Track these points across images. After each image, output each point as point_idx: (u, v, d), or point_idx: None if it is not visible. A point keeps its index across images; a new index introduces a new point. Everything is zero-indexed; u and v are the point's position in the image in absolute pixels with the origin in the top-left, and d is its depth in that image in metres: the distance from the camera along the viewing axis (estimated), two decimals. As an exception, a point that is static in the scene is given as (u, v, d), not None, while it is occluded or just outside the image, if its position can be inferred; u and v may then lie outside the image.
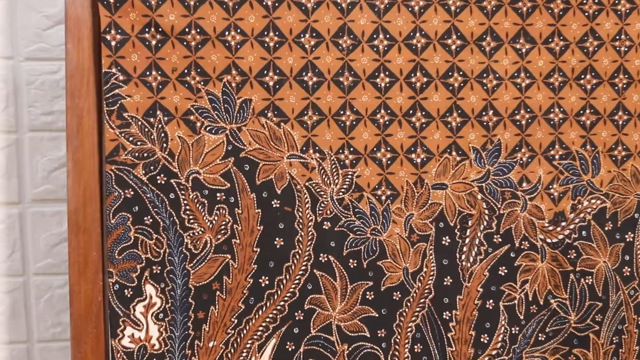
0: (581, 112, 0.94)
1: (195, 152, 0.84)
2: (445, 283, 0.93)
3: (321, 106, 0.87)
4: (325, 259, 0.89)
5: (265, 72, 0.84)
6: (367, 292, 0.91)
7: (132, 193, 0.81)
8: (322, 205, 0.88)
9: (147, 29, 0.79)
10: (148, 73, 0.81)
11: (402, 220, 0.92)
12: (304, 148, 0.86)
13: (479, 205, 0.94)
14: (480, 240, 0.94)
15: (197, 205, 0.84)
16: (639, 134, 0.99)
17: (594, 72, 0.92)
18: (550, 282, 0.95)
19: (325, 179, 0.88)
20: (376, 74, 0.90)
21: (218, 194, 0.84)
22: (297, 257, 0.87)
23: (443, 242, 0.93)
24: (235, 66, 0.83)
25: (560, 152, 0.94)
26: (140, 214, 0.82)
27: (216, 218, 0.84)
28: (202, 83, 0.83)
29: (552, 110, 0.94)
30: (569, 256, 0.95)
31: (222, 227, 0.84)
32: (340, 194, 0.89)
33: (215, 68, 0.83)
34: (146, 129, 0.82)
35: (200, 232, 0.84)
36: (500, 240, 0.95)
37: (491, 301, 0.95)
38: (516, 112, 0.93)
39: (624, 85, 0.92)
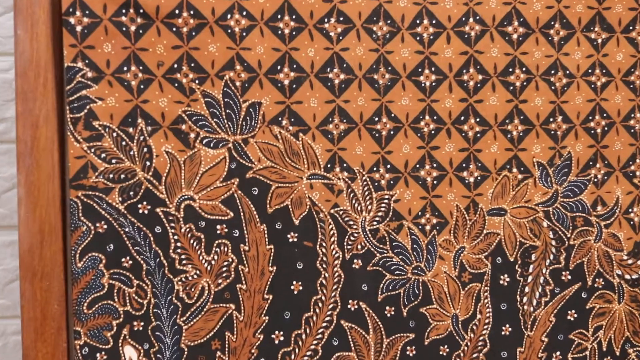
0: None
1: (189, 172, 0.73)
2: (503, 333, 0.84)
3: (350, 111, 0.79)
4: (356, 306, 0.82)
5: (278, 67, 0.74)
6: (408, 347, 0.81)
7: (105, 227, 0.73)
8: (352, 238, 0.81)
9: (124, 10, 0.68)
10: (126, 68, 0.73)
11: (451, 255, 0.83)
12: (329, 165, 0.80)
13: (544, 234, 0.89)
14: (546, 279, 0.89)
15: (192, 241, 0.74)
16: None
17: None
18: (629, 327, 0.92)
19: (356, 205, 0.81)
20: (419, 69, 0.78)
21: (218, 226, 0.77)
22: (320, 305, 0.80)
23: (501, 282, 0.87)
24: (240, 59, 0.72)
25: None
26: (117, 254, 0.73)
27: (216, 257, 0.77)
28: (196, 82, 0.75)
29: (632, 115, 0.85)
30: (651, 295, 0.97)
31: (224, 268, 0.77)
32: (375, 223, 0.79)
33: (214, 62, 0.74)
34: (123, 143, 0.71)
35: (195, 276, 0.76)
36: (569, 277, 0.90)
37: (558, 353, 0.87)
38: (590, 117, 0.83)
39: None
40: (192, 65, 0.75)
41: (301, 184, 0.80)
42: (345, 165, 0.81)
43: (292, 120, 0.79)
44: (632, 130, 0.91)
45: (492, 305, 0.87)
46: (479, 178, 0.87)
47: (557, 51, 0.86)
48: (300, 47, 0.78)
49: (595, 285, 0.91)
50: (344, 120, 0.81)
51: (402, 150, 0.84)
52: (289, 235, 0.79)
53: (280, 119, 0.78)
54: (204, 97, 0.76)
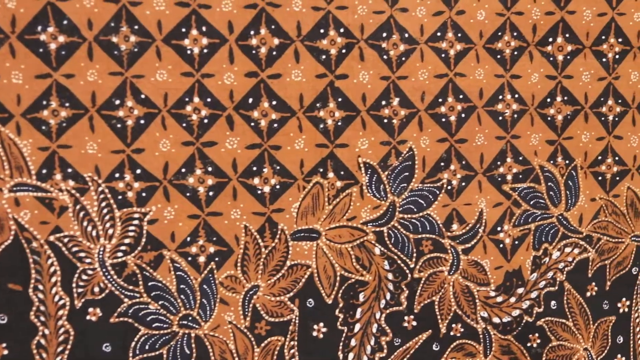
0: (548, 99, 0.88)
1: None
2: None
3: (75, 90, 0.73)
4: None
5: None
6: None
7: None
8: (85, 277, 0.76)
9: None
10: None
11: (239, 297, 0.81)
12: (44, 171, 0.73)
13: (377, 265, 0.84)
14: (381, 327, 0.85)
15: None
16: (637, 135, 0.89)
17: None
18: (500, 389, 0.87)
19: (89, 229, 0.75)
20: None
21: None
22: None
23: (315, 334, 0.84)
24: None
25: (513, 167, 0.87)
26: None
27: None
28: None
29: (500, 97, 0.81)
30: (529, 344, 0.91)
31: None
32: (120, 254, 0.76)
33: None
34: None
35: None
36: (415, 324, 0.87)
37: None
38: (440, 100, 0.78)
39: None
40: None
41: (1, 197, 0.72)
42: (70, 170, 0.73)
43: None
44: (501, 118, 0.86)
45: (299, 367, 0.81)
46: (277, 187, 0.79)
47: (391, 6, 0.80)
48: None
49: (452, 334, 0.88)
50: (67, 105, 0.72)
51: (158, 149, 0.75)
52: (-21, 277, 0.71)
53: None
54: None
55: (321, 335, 0.83)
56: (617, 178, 0.92)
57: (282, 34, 0.76)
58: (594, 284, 0.93)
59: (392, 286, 0.85)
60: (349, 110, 0.80)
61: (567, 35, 0.86)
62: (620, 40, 0.88)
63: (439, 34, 0.82)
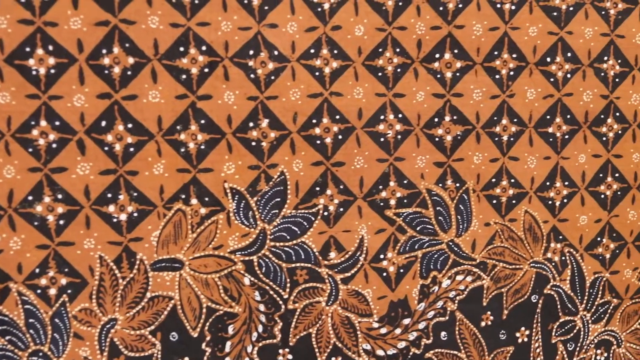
0: (435, 119, 0.89)
1: None
2: None
3: None
4: None
5: None
6: None
7: None
8: None
9: None
10: None
11: (95, 332, 0.81)
12: None
13: (247, 296, 0.85)
14: None
15: None
16: (534, 156, 0.91)
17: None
18: None
19: None
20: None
21: None
22: None
23: None
24: None
25: (397, 191, 0.87)
26: None
27: None
28: None
29: (382, 117, 0.86)
30: (417, 378, 0.91)
31: None
32: None
33: None
34: None
35: None
36: (290, 357, 0.88)
37: None
38: (314, 121, 0.80)
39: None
40: None
41: None
42: None
43: None
44: (383, 139, 0.87)
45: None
46: (134, 214, 0.80)
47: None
48: None
49: (332, 368, 0.88)
50: None
51: (2, 176, 0.76)
52: None
53: None
54: None
55: (186, 376, 0.84)
56: (514, 201, 0.93)
57: (137, 53, 0.78)
58: (489, 313, 0.95)
59: (265, 318, 0.86)
60: (213, 133, 0.81)
61: (455, 51, 0.88)
62: (514, 56, 0.90)
63: (312, 50, 0.83)
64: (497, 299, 0.95)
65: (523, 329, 0.97)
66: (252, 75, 0.81)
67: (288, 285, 0.86)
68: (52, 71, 0.76)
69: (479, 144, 0.90)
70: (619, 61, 0.94)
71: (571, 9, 0.91)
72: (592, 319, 1.00)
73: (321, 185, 0.85)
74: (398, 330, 0.91)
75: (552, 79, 0.92)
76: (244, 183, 0.83)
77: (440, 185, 0.90)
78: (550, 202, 0.95)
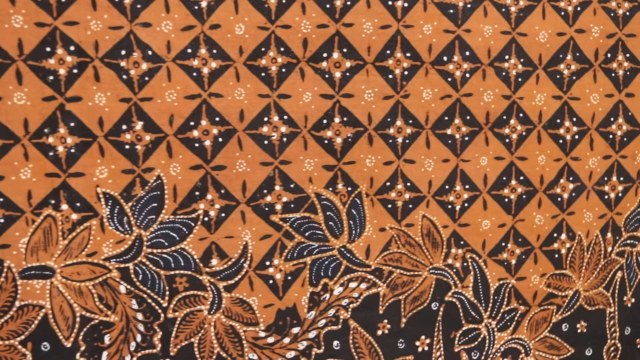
0: (324, 120, 0.92)
1: None
2: None
3: None
4: None
5: None
6: None
7: None
8: None
9: None
10: None
11: None
12: None
13: (123, 305, 0.86)
14: None
15: None
16: (432, 158, 0.94)
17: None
18: None
19: None
20: None
21: None
22: None
23: None
24: None
25: (283, 196, 0.90)
26: None
27: None
28: None
29: (266, 118, 0.87)
30: (308, 389, 0.92)
31: None
32: None
33: None
34: None
35: None
36: None
37: None
38: (191, 122, 0.81)
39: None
40: None
41: None
42: None
43: None
44: (267, 142, 0.86)
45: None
46: (1, 220, 0.81)
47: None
48: None
49: (216, 377, 0.89)
50: None
51: None
52: None
53: None
54: None
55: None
56: (410, 206, 0.95)
57: (0, 54, 0.80)
58: (386, 321, 0.97)
59: (143, 327, 0.88)
60: (83, 136, 0.82)
61: (344, 50, 0.90)
62: (408, 55, 0.92)
63: (189, 50, 0.85)
64: (394, 306, 0.97)
65: (423, 337, 0.99)
66: (124, 76, 0.83)
67: (167, 293, 0.88)
68: None
69: (371, 146, 0.92)
70: (522, 60, 0.97)
71: (469, 5, 0.93)
72: (498, 326, 1.02)
73: (201, 189, 0.87)
74: (287, 340, 0.93)
75: (449, 79, 0.94)
76: (118, 188, 0.85)
77: (331, 189, 0.92)
78: (449, 207, 0.97)
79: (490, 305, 1.00)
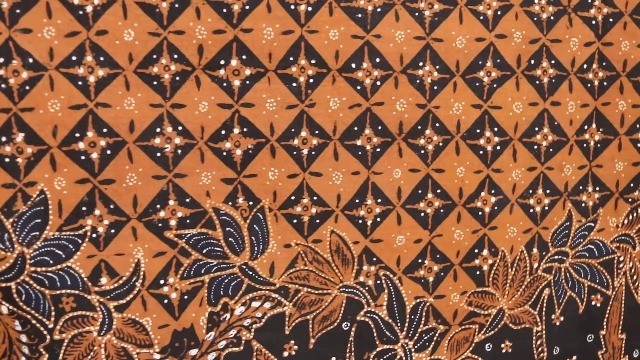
0: (223, 131, 0.92)
1: None
2: None
3: None
4: None
5: None
6: None
7: None
8: None
9: None
10: None
11: None
12: None
13: (5, 326, 0.87)
14: None
15: None
16: (340, 171, 0.94)
17: None
18: None
19: None
20: None
21: None
22: None
23: None
24: None
25: (178, 211, 0.90)
26: None
27: None
28: None
29: (158, 129, 0.87)
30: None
31: None
32: None
33: None
34: None
35: None
36: None
37: None
38: (77, 133, 0.82)
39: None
40: None
41: None
42: None
43: None
44: (159, 154, 0.85)
45: None
46: None
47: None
48: None
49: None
50: None
51: None
52: None
53: None
54: None
55: None
56: (317, 221, 0.95)
57: None
58: (293, 342, 0.96)
59: (28, 349, 0.87)
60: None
61: (244, 57, 0.89)
62: (313, 62, 0.92)
63: (74, 58, 0.84)
64: (302, 326, 0.96)
65: (334, 358, 0.98)
66: (3, 85, 0.82)
67: (53, 313, 0.87)
68: None
69: (274, 158, 0.92)
70: (437, 67, 0.96)
71: (379, 10, 0.93)
72: (416, 347, 1.02)
73: (88, 204, 0.86)
74: (183, 363, 0.92)
75: (358, 87, 0.93)
76: (-2, 202, 0.84)
77: (230, 203, 0.91)
78: (360, 221, 0.96)
79: (407, 324, 1.00)
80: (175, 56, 0.87)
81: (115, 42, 0.85)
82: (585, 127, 1.05)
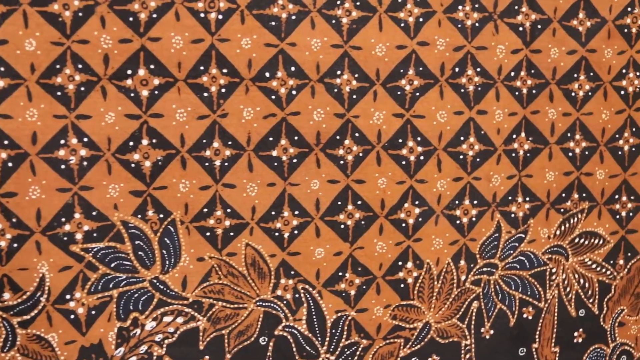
0: (131, 142, 0.92)
1: None
2: None
3: None
4: None
5: None
6: None
7: None
8: None
9: None
10: None
11: None
12: None
13: None
14: None
15: None
16: (255, 182, 0.95)
17: None
18: None
19: None
20: None
21: None
22: None
23: None
24: None
25: (84, 224, 0.91)
26: None
27: None
28: None
29: (64, 139, 0.88)
30: None
31: None
32: None
33: None
34: None
35: None
36: None
37: None
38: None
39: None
40: None
41: None
42: None
43: None
44: (63, 166, 0.86)
45: None
46: None
47: None
48: None
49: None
50: None
51: None
52: None
53: None
54: None
55: None
56: (232, 233, 0.96)
57: None
58: (207, 357, 0.97)
59: None
60: None
61: (152, 66, 0.89)
62: (225, 71, 0.92)
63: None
64: (217, 341, 0.97)
65: (251, 373, 0.99)
66: None
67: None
68: None
69: (185, 170, 0.93)
70: (356, 75, 0.97)
71: (293, 17, 0.94)
72: (338, 362, 1.03)
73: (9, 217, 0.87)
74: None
75: (273, 96, 0.94)
76: None
77: (140, 216, 0.92)
78: (277, 234, 0.98)
79: (328, 339, 1.01)
80: (80, 66, 0.87)
81: (16, 52, 0.85)
82: (514, 136, 1.06)
